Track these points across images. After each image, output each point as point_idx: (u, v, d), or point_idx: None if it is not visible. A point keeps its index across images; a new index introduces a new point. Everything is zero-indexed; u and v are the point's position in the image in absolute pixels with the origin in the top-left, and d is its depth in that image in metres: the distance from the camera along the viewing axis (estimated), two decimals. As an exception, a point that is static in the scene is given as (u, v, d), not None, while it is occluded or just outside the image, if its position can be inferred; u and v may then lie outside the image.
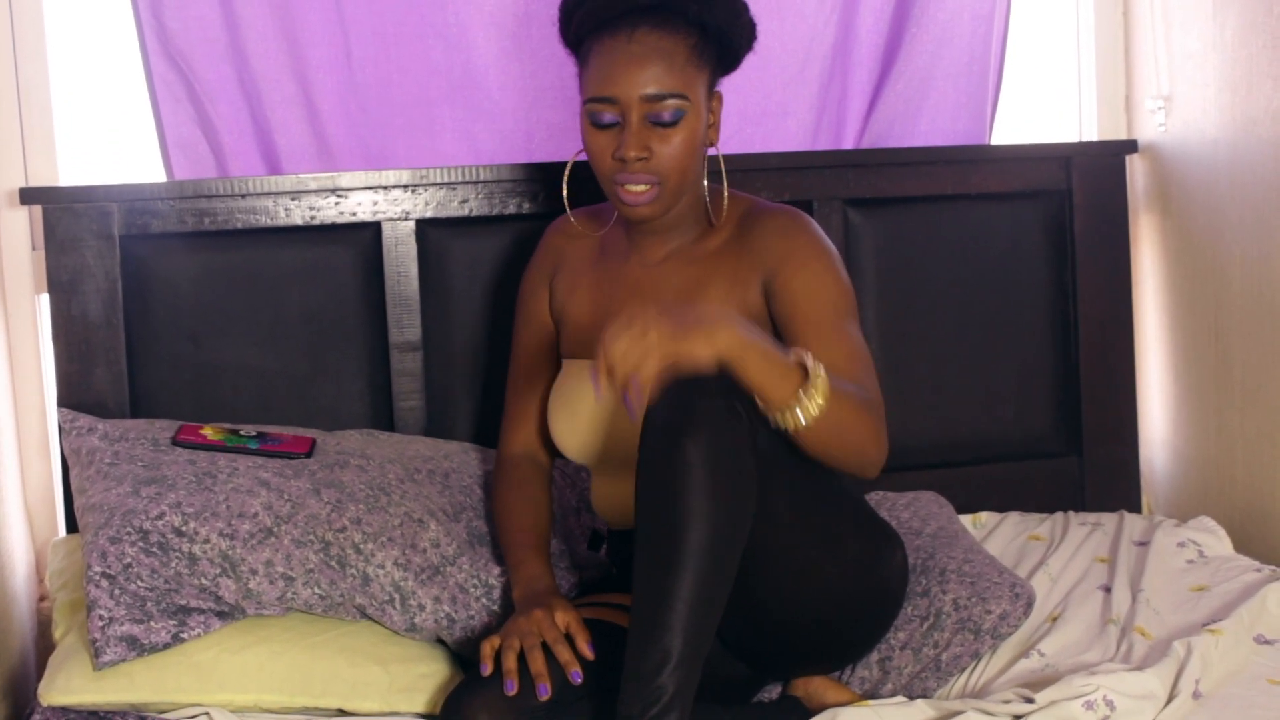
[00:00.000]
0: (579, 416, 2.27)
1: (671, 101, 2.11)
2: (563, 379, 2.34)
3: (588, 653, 1.99)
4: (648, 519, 1.87)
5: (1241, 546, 2.76)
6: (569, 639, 2.01)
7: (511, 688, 1.92)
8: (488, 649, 1.98)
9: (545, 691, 1.92)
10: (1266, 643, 2.29)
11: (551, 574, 2.20)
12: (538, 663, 1.94)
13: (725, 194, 2.24)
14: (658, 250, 2.29)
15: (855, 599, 2.14)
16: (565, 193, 2.30)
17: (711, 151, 2.26)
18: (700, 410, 1.86)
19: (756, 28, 2.23)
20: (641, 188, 2.15)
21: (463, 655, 2.29)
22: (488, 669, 1.96)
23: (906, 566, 2.25)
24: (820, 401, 1.91)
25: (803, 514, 2.04)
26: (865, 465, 2.03)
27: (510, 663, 1.95)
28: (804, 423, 1.91)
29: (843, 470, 2.03)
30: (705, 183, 2.24)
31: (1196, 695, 2.08)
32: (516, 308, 2.46)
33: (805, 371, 1.92)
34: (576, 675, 1.95)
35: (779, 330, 2.18)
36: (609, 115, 2.14)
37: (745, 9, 2.21)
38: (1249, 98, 2.79)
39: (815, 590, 2.07)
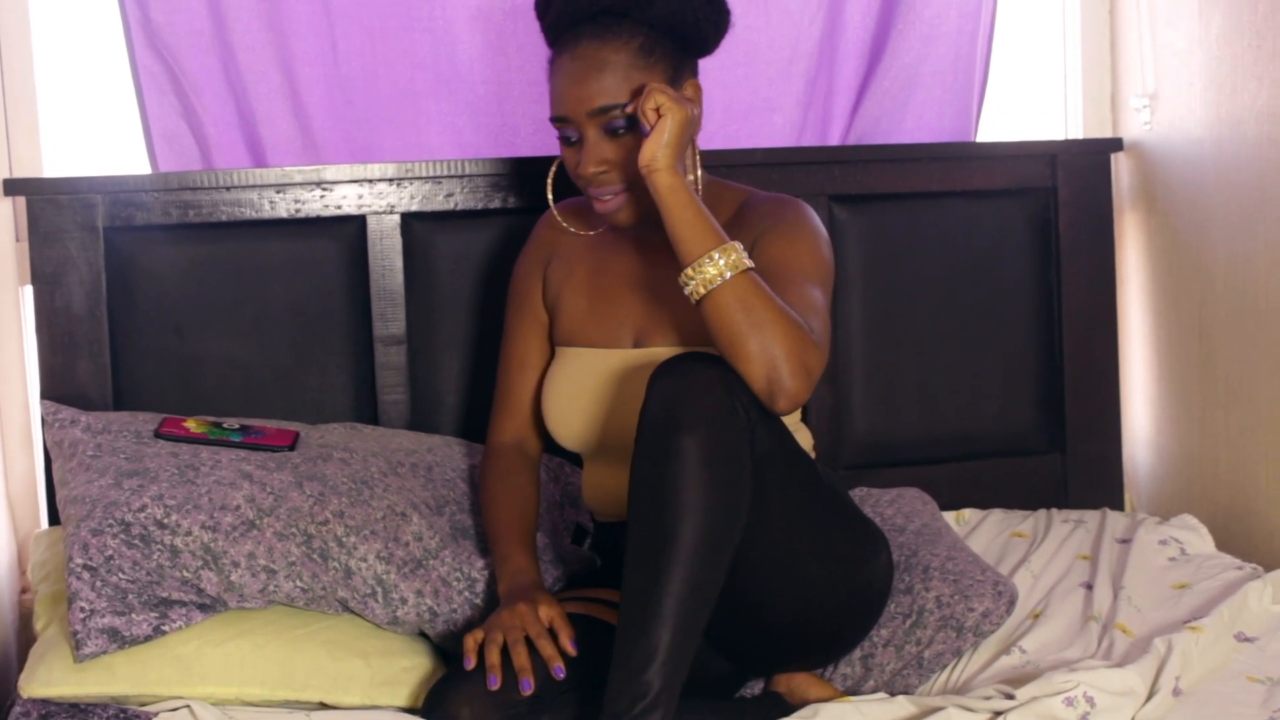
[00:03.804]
0: (574, 404, 2.27)
1: (619, 110, 2.12)
2: (558, 367, 2.34)
3: (570, 648, 1.99)
4: (641, 513, 1.87)
5: (1223, 544, 2.76)
6: (552, 634, 2.01)
7: (494, 682, 1.92)
8: (471, 643, 1.98)
9: (528, 686, 1.92)
10: (1247, 640, 2.29)
11: (537, 567, 2.20)
12: (521, 657, 1.95)
13: (699, 181, 2.21)
14: (653, 238, 2.29)
15: (841, 598, 2.14)
16: (550, 194, 2.30)
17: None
18: (698, 405, 1.87)
19: (725, 8, 2.23)
20: (609, 197, 2.17)
21: (445, 649, 2.28)
22: (471, 663, 1.96)
23: (891, 567, 2.26)
24: (729, 265, 1.96)
25: (794, 512, 2.04)
26: (774, 384, 1.93)
27: (493, 657, 1.95)
28: (709, 287, 1.96)
29: (751, 383, 1.94)
30: (700, 171, 2.22)
31: (1176, 692, 2.08)
32: (509, 297, 2.46)
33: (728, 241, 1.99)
34: (559, 670, 1.95)
35: None
36: (569, 131, 2.17)
37: None
38: (1234, 96, 2.79)
39: (802, 588, 2.08)
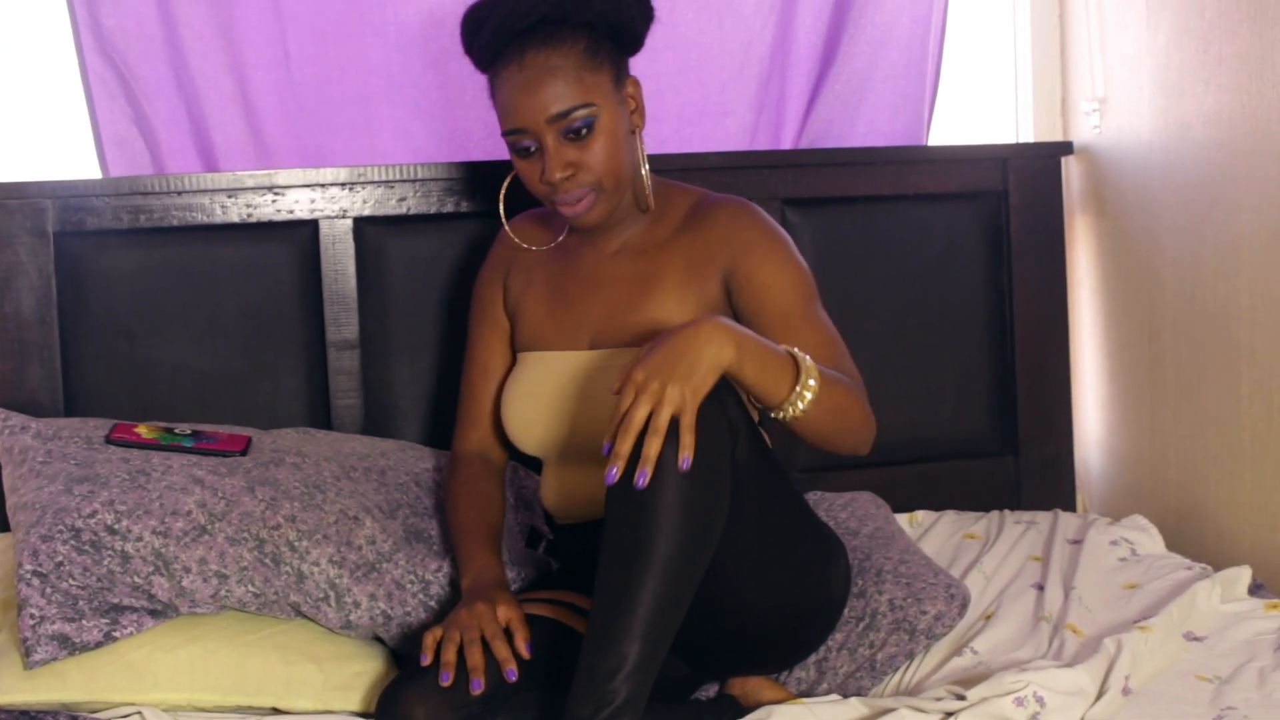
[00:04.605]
0: (533, 408, 2.27)
1: (578, 113, 2.12)
2: (516, 372, 2.34)
3: (524, 651, 1.98)
4: (618, 520, 1.85)
5: (1173, 545, 2.78)
6: (510, 635, 2.01)
7: (446, 678, 1.91)
8: (430, 639, 1.98)
9: (479, 686, 1.92)
10: (1195, 639, 2.31)
11: (502, 566, 2.20)
12: (475, 657, 1.94)
13: (647, 177, 2.24)
14: (610, 242, 2.30)
15: (802, 604, 2.14)
16: (503, 210, 2.31)
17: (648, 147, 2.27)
18: None
19: (650, 6, 2.22)
20: (577, 199, 2.17)
21: (399, 652, 2.28)
22: (427, 659, 1.96)
23: (849, 572, 2.26)
24: (813, 387, 1.93)
25: (765, 520, 2.04)
26: (858, 445, 2.07)
27: (449, 654, 1.94)
28: (800, 411, 1.93)
29: (837, 452, 2.07)
30: (646, 168, 2.24)
31: (1126, 691, 2.10)
32: (471, 308, 2.46)
33: (795, 359, 1.95)
34: (511, 674, 1.95)
35: (745, 323, 2.19)
36: (526, 142, 2.16)
37: None
38: (1181, 101, 2.82)
39: (766, 595, 2.08)
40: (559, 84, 2.12)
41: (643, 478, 1.81)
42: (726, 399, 1.91)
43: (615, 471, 1.83)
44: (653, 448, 1.81)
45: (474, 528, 2.26)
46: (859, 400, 2.05)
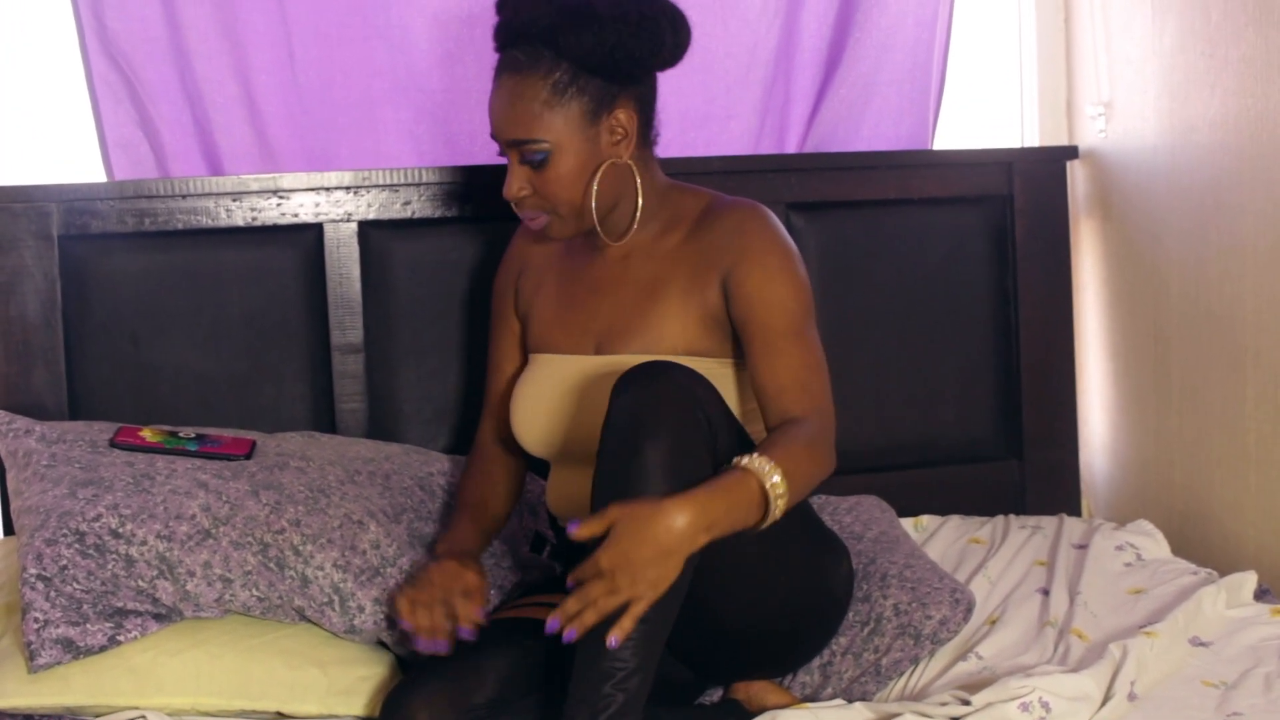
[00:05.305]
0: (537, 410, 2.28)
1: (530, 146, 2.13)
2: (525, 373, 2.35)
3: (478, 617, 2.06)
4: None
5: (1179, 550, 2.78)
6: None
7: (444, 647, 2.02)
8: (406, 605, 2.06)
9: (467, 633, 2.03)
10: (1201, 645, 2.31)
11: (478, 544, 2.26)
12: (436, 618, 2.04)
13: (639, 206, 2.23)
14: (619, 248, 2.29)
15: (802, 608, 2.14)
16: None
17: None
18: (663, 413, 1.87)
19: (658, 32, 2.15)
20: (532, 218, 2.21)
21: (403, 657, 2.28)
22: (407, 624, 2.05)
23: (852, 577, 2.26)
24: (782, 507, 1.88)
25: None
26: (822, 481, 2.02)
27: (421, 620, 2.04)
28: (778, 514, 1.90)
29: None
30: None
31: (1132, 697, 2.09)
32: (491, 307, 2.49)
33: (756, 479, 1.87)
34: (464, 631, 2.03)
35: (737, 331, 2.19)
36: (501, 151, 2.20)
37: (636, 27, 2.12)
38: (1187, 104, 2.81)
39: (765, 599, 2.08)
40: (519, 111, 2.14)
41: (570, 635, 1.81)
42: (702, 399, 1.93)
43: (556, 625, 1.83)
44: (589, 619, 1.81)
45: (466, 508, 2.33)
46: (820, 458, 2.00)
